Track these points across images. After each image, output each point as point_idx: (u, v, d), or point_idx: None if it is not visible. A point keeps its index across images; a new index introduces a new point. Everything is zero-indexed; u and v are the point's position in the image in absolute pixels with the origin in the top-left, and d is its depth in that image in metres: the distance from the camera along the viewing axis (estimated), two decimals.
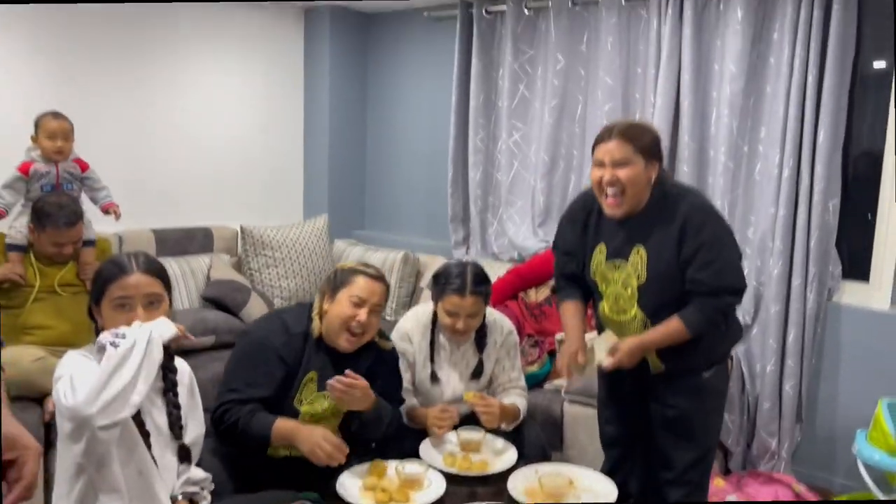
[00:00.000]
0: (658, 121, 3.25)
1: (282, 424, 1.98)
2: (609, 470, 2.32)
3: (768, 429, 3.11)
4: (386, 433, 2.18)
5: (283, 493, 1.89)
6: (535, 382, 2.96)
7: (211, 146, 4.10)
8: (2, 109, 3.24)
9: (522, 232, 3.85)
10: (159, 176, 3.87)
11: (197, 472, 1.74)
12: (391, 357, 2.28)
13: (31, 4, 3.33)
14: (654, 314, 2.08)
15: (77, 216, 2.77)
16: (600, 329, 2.29)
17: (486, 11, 3.85)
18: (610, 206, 2.05)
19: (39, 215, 2.72)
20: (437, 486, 2.00)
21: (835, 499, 2.87)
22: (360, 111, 4.60)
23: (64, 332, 2.78)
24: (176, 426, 1.69)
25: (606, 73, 3.46)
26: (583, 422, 2.76)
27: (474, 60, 3.90)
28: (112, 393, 1.44)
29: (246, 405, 1.99)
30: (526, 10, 3.73)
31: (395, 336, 2.44)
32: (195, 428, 1.76)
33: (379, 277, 2.15)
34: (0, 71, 3.27)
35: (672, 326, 2.05)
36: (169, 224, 3.78)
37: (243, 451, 2.04)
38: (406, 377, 2.41)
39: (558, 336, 3.06)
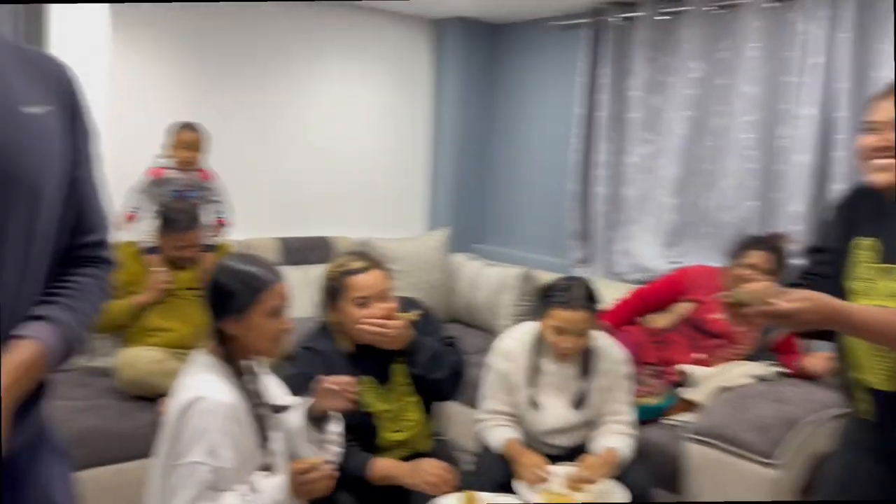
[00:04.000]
0: (806, 134, 2.93)
1: (381, 465, 1.94)
2: None
3: None
4: (455, 373, 2.10)
5: None
6: (652, 416, 2.72)
7: (336, 157, 4.15)
8: (141, 118, 3.39)
9: (649, 252, 3.61)
10: (285, 186, 3.97)
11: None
12: (425, 321, 2.13)
13: (176, 26, 3.51)
14: None
15: (195, 221, 2.85)
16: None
17: (617, 18, 3.67)
18: (878, 168, 1.50)
19: (164, 219, 2.83)
20: None
21: None
22: (486, 123, 4.53)
23: (184, 335, 2.85)
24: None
25: (748, 81, 3.18)
26: (707, 466, 2.49)
27: (603, 70, 3.72)
28: None
29: None
30: (660, 16, 3.50)
31: (495, 355, 2.32)
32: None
33: (368, 266, 1.99)
34: (140, 83, 3.46)
35: None
36: (292, 233, 3.86)
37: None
38: (506, 400, 2.28)
39: (683, 367, 2.81)
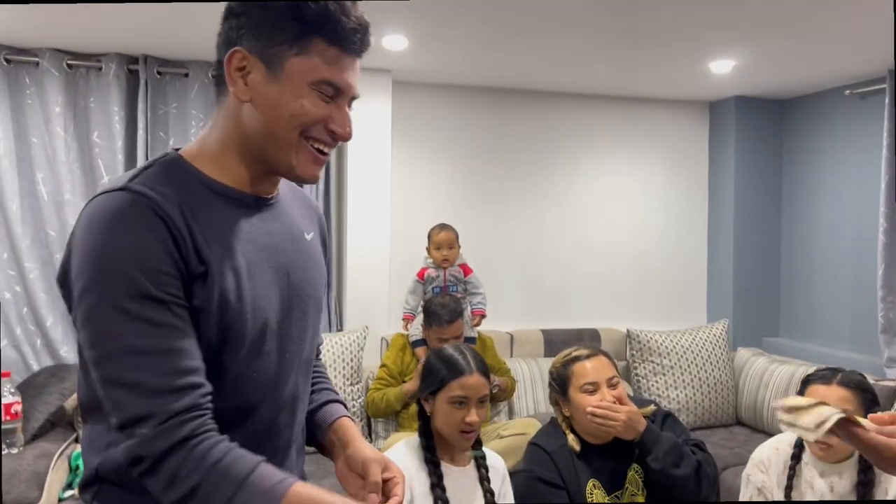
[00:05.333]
0: None
1: None
2: None
3: None
4: (701, 473, 1.86)
5: None
6: None
7: (605, 247, 4.14)
8: (421, 222, 3.62)
9: None
10: (552, 277, 4.04)
11: None
12: (666, 421, 2.01)
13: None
14: None
15: (456, 314, 3.03)
16: None
17: None
18: None
19: (427, 314, 3.07)
20: None
21: None
22: (771, 204, 4.17)
23: None
24: None
25: None
26: None
27: None
28: None
29: None
30: None
31: (751, 465, 2.06)
32: None
33: (593, 353, 1.96)
34: (420, 189, 3.85)
35: None
36: (558, 325, 3.88)
37: None
38: None
39: None
